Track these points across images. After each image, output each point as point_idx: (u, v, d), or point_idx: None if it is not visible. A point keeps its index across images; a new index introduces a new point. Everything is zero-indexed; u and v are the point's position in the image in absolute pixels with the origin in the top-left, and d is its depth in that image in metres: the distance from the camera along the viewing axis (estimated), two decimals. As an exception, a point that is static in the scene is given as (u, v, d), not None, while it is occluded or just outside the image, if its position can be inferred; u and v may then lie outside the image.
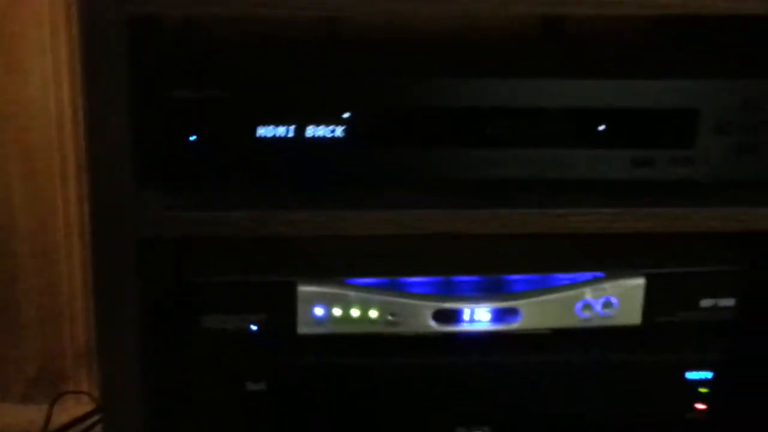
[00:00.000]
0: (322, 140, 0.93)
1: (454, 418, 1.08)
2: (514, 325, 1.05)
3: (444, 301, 1.04)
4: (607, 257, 1.08)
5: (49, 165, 1.33)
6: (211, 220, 0.90)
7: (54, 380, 1.44)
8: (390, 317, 1.03)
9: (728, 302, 1.08)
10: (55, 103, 1.30)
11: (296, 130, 0.93)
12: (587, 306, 1.05)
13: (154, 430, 1.02)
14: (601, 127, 0.95)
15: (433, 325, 1.04)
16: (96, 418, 1.36)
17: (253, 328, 1.02)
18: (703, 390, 1.09)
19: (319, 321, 1.03)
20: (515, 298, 1.05)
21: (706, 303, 1.07)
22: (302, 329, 1.03)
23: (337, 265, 1.05)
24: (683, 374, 1.08)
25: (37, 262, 1.38)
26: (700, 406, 1.09)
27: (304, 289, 1.02)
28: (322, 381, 1.06)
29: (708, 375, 1.09)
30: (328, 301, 1.02)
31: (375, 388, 1.06)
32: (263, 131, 0.92)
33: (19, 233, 1.37)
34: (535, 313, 1.05)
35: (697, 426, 1.11)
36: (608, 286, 1.05)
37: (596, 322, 1.06)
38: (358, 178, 0.96)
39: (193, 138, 0.92)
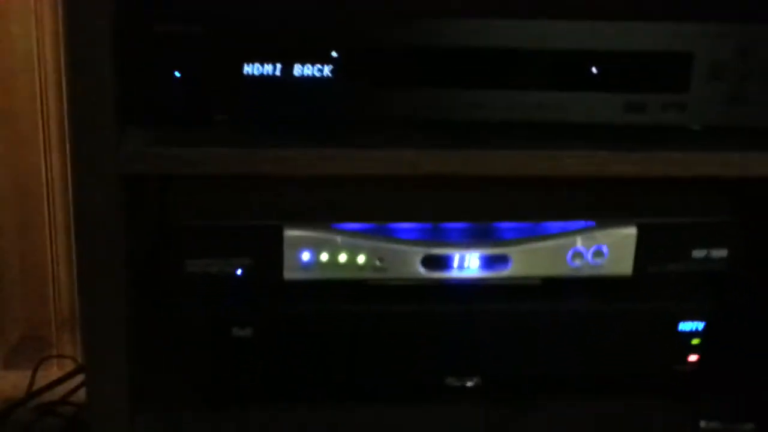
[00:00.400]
0: (309, 79, 0.91)
1: (444, 368, 1.07)
2: (503, 273, 1.04)
3: (433, 246, 1.03)
4: (599, 206, 1.07)
5: (30, 126, 1.31)
6: (195, 157, 0.88)
7: (38, 346, 1.44)
8: (378, 263, 1.02)
9: (720, 253, 1.07)
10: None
11: (283, 69, 0.91)
12: (578, 255, 1.04)
13: (137, 378, 1.00)
14: (595, 70, 0.94)
15: (422, 272, 1.03)
16: (80, 378, 1.35)
17: (239, 272, 1.01)
18: (694, 341, 1.08)
19: (305, 266, 1.01)
20: (505, 245, 1.04)
21: (698, 254, 1.06)
22: (289, 274, 1.01)
23: (325, 209, 1.04)
24: (674, 325, 1.07)
25: (21, 229, 1.38)
26: (691, 356, 1.09)
27: (291, 233, 1.00)
28: (309, 327, 1.04)
29: (699, 326, 1.08)
30: (315, 246, 1.01)
31: (362, 335, 1.05)
32: (249, 69, 0.90)
33: (1, 200, 1.36)
34: (525, 260, 1.04)
35: (687, 376, 1.10)
36: (600, 235, 1.04)
37: (587, 272, 1.05)
38: (348, 119, 0.94)
39: (177, 75, 0.90)
